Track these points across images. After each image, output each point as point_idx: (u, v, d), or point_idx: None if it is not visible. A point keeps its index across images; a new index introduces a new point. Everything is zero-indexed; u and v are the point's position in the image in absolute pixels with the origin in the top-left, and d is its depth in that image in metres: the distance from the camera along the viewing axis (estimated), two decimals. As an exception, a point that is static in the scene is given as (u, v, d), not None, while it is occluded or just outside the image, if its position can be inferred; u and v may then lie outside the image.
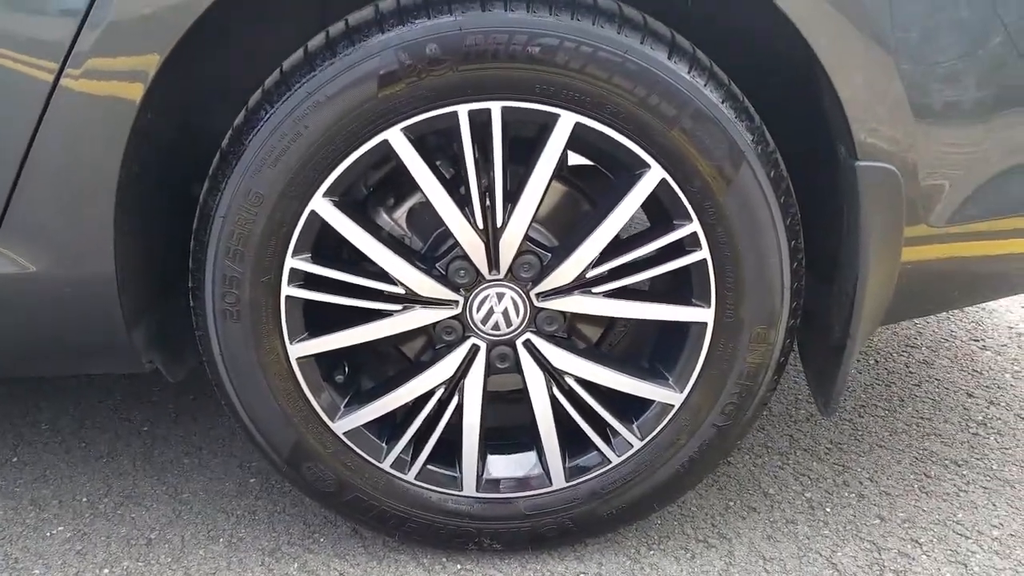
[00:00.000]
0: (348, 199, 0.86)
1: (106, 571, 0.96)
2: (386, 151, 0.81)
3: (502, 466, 0.98)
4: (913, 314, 1.13)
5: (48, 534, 1.02)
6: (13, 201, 0.81)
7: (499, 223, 0.84)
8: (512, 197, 0.84)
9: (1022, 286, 1.07)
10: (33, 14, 0.79)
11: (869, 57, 0.79)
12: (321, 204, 0.82)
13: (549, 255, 0.88)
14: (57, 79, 0.77)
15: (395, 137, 0.79)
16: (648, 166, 0.81)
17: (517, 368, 0.91)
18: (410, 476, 0.94)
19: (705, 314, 0.87)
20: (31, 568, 0.97)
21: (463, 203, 0.84)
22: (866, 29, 0.79)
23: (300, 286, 0.86)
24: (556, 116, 0.79)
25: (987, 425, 1.21)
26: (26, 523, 1.03)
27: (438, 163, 0.87)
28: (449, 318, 0.88)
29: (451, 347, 0.90)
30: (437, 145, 0.88)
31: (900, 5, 0.78)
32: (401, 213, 0.91)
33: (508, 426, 0.99)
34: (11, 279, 0.84)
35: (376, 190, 0.92)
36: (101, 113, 0.79)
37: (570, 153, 0.90)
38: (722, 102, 0.80)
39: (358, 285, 0.87)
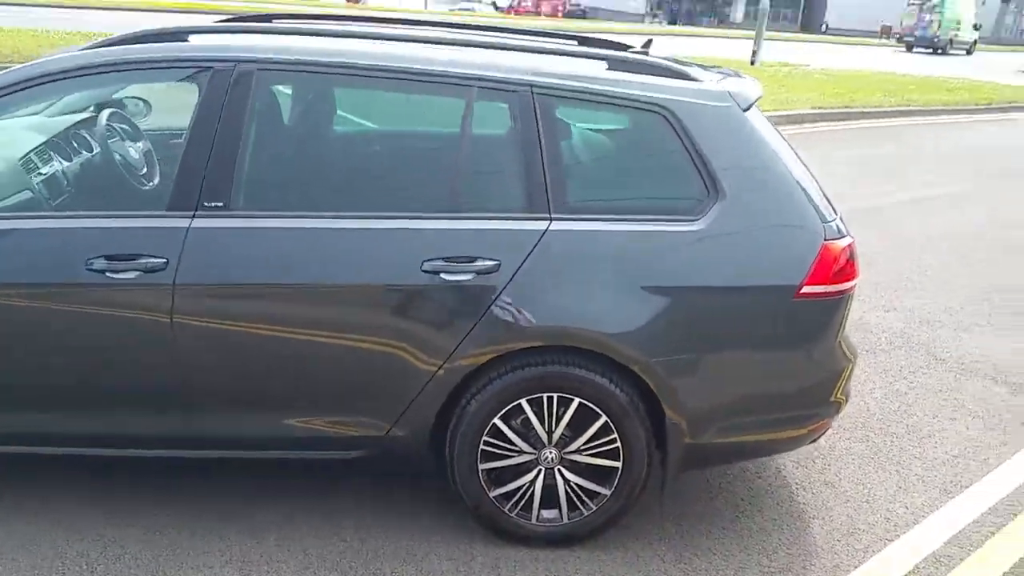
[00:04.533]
0: (503, 413, 2.59)
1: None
2: (519, 404, 2.56)
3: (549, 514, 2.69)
4: (702, 466, 2.86)
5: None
6: (405, 413, 2.56)
7: (555, 432, 2.59)
8: (559, 421, 2.59)
9: (768, 452, 2.84)
10: (431, 330, 2.51)
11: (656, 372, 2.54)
12: (497, 421, 2.56)
13: (569, 439, 2.61)
14: (431, 377, 2.52)
15: (523, 403, 2.55)
16: (600, 415, 2.56)
17: (554, 475, 2.63)
18: (494, 493, 2.65)
19: (619, 464, 2.60)
20: (370, 539, 2.66)
21: (543, 425, 2.59)
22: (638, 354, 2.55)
23: (485, 443, 2.59)
24: (571, 399, 2.55)
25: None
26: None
27: (534, 406, 2.62)
28: (532, 459, 2.62)
29: (532, 466, 2.62)
30: (536, 400, 2.62)
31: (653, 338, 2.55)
32: (521, 416, 2.63)
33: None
34: (374, 440, 2.58)
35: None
36: (446, 387, 2.52)
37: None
38: (624, 395, 2.55)
39: (502, 444, 2.60)
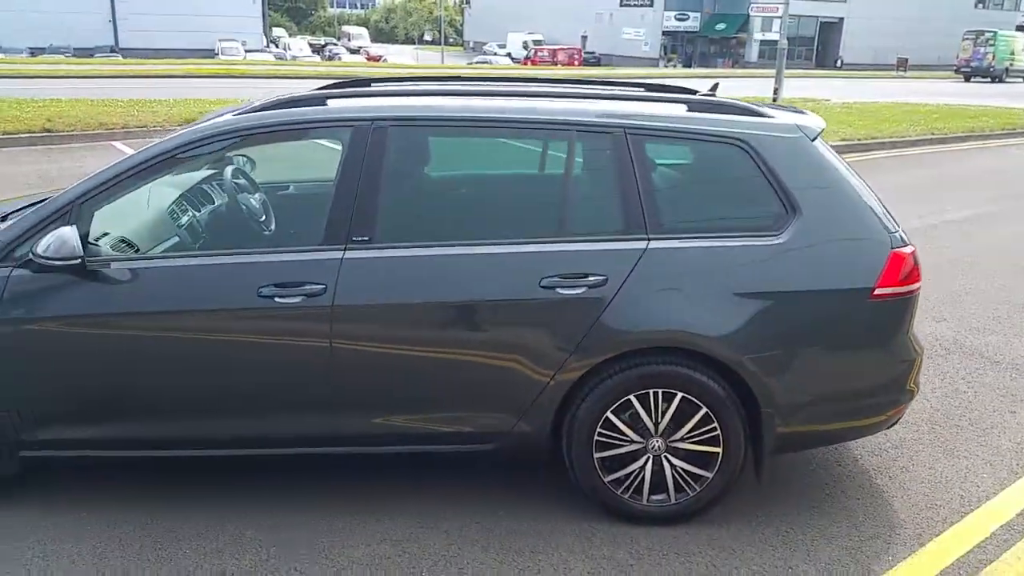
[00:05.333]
0: (614, 408, 2.95)
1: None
2: (628, 400, 2.92)
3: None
4: (793, 450, 3.19)
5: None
6: (530, 410, 2.93)
7: (661, 423, 2.94)
8: (664, 414, 2.94)
9: (852, 437, 3.17)
10: (549, 337, 2.89)
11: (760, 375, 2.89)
12: (609, 415, 2.91)
13: (674, 429, 2.96)
14: (552, 377, 2.88)
15: (632, 397, 2.91)
16: (701, 407, 2.91)
17: (661, 461, 2.98)
18: (607, 479, 2.98)
19: (718, 450, 2.95)
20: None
21: (650, 417, 2.95)
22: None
23: (599, 434, 2.95)
24: (675, 394, 2.90)
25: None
26: (491, 513, 3.09)
27: (642, 401, 2.97)
28: (640, 448, 2.97)
29: (641, 454, 2.97)
30: (643, 395, 2.98)
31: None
32: (631, 410, 2.98)
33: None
34: (504, 434, 2.95)
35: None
36: (564, 386, 2.89)
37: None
38: (721, 389, 2.90)
39: (614, 435, 2.96)
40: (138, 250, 3.12)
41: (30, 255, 2.81)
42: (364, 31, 71.36)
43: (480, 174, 3.64)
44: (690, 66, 52.70)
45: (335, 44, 61.35)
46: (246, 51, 43.95)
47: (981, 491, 3.29)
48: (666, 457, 2.98)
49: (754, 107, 3.17)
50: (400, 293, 2.87)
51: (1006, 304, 5.74)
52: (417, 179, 3.18)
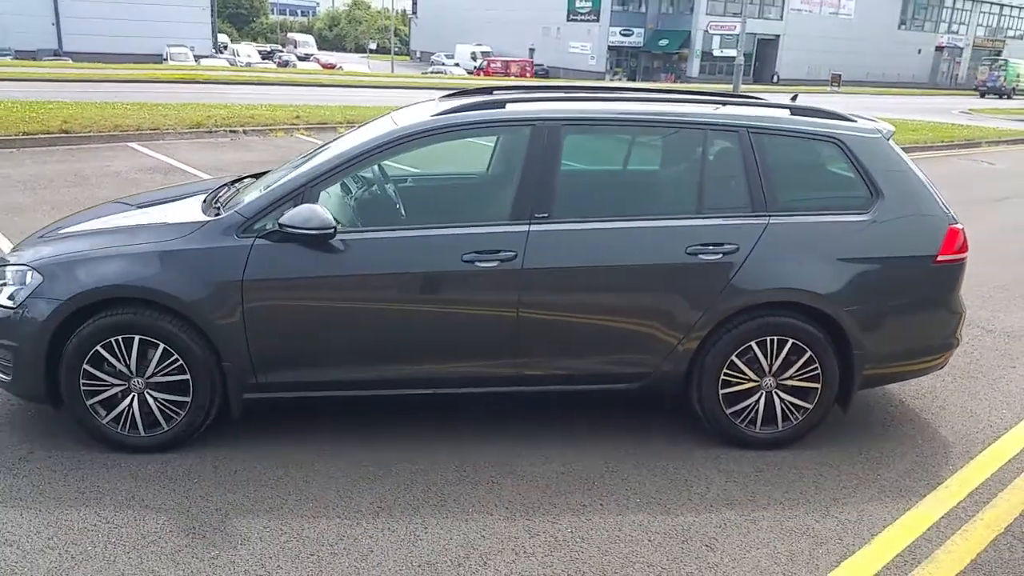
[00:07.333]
0: (738, 352, 3.71)
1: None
2: (749, 345, 3.68)
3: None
4: (872, 386, 3.99)
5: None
6: (672, 352, 3.67)
7: (773, 364, 3.71)
8: (776, 357, 3.71)
9: (916, 375, 4.00)
10: (691, 294, 3.65)
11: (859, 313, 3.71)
12: (732, 357, 3.67)
13: (783, 369, 3.73)
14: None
15: (752, 343, 3.67)
16: (806, 351, 3.69)
17: (772, 396, 3.75)
18: (728, 411, 3.74)
19: (818, 385, 3.73)
20: (643, 450, 3.75)
21: (766, 358, 3.72)
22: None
23: (723, 373, 3.71)
24: (787, 340, 3.68)
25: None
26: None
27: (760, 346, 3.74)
28: (755, 385, 3.74)
29: (756, 391, 3.74)
30: (761, 342, 3.73)
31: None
32: (751, 354, 3.73)
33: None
34: (650, 374, 3.69)
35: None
36: (702, 332, 3.63)
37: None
38: (823, 336, 3.68)
39: (736, 375, 3.72)
40: (343, 225, 3.72)
41: (277, 226, 3.41)
42: (311, 38, 71.13)
43: (631, 163, 4.39)
44: (634, 80, 54.38)
45: (282, 51, 61.10)
46: (195, 56, 43.56)
47: (1004, 421, 4.17)
48: (776, 392, 3.76)
49: (840, 112, 4.00)
50: (575, 258, 3.58)
51: (987, 286, 6.76)
52: (582, 167, 3.90)
